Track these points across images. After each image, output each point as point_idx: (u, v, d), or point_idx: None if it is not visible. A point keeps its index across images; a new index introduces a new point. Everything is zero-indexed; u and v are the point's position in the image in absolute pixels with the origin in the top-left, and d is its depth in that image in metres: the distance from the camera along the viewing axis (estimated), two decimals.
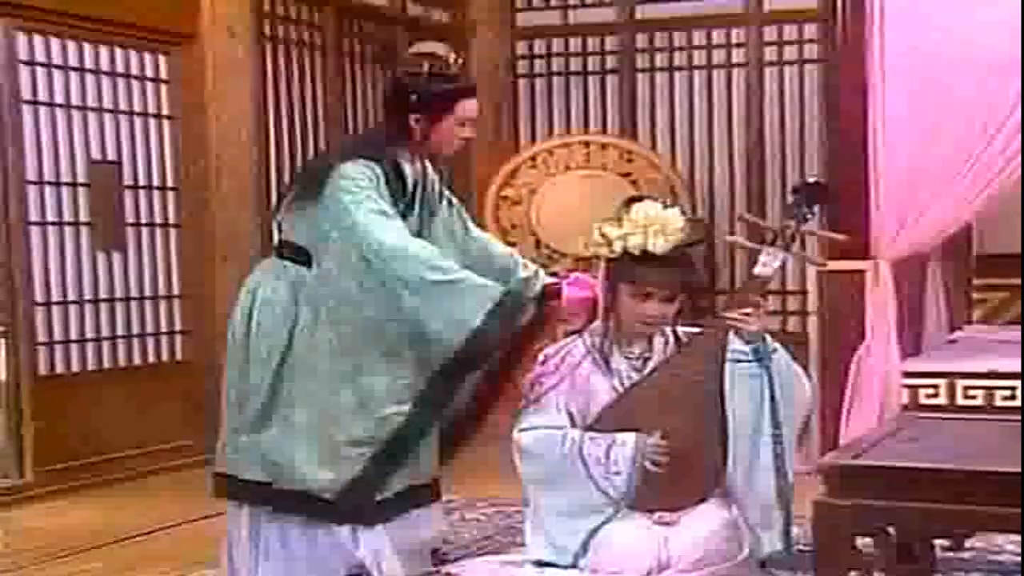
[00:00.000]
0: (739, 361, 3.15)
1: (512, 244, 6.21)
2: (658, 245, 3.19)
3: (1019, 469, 2.42)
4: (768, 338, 3.19)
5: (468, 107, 3.22)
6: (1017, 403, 4.32)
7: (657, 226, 3.19)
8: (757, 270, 3.25)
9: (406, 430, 3.06)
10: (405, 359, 3.07)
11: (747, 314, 3.13)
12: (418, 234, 3.18)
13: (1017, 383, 4.35)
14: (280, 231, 3.26)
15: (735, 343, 3.16)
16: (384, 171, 3.12)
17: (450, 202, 3.38)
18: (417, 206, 3.24)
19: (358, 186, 3.06)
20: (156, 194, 5.39)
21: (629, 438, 3.13)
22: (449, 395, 3.09)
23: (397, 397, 3.06)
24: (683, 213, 3.27)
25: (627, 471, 3.13)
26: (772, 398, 3.14)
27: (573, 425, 3.22)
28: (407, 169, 3.21)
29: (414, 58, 3.27)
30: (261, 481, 3.10)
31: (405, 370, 3.08)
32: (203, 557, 3.61)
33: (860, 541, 2.66)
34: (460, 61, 3.23)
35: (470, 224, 3.42)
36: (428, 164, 3.31)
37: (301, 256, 3.15)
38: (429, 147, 3.24)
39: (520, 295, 3.10)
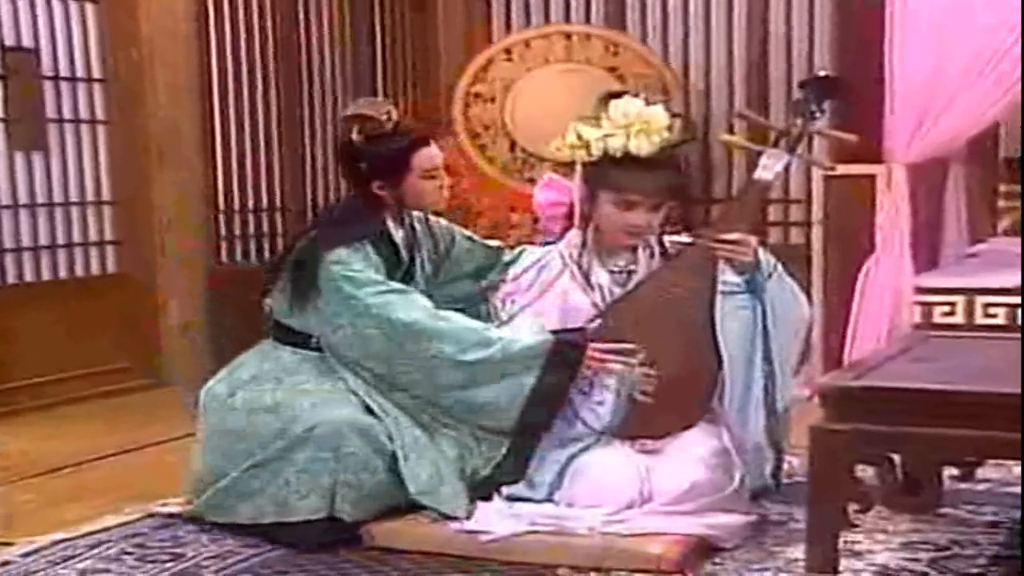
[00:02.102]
0: (731, 293, 3.17)
1: (483, 147, 6.25)
2: (642, 147, 3.18)
3: None
4: (764, 261, 3.19)
5: (424, 157, 3.32)
6: None
7: (639, 125, 3.18)
8: (758, 174, 3.25)
9: (496, 477, 3.17)
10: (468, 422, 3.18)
11: (737, 242, 3.13)
12: (429, 296, 3.28)
13: None
14: (272, 312, 3.37)
15: (726, 274, 3.17)
16: (374, 247, 3.25)
17: (468, 237, 3.51)
18: (418, 267, 3.36)
19: (353, 269, 3.19)
20: (81, 87, 5.31)
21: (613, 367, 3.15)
22: (533, 444, 3.16)
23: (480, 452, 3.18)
24: (669, 110, 3.25)
25: (611, 399, 3.17)
26: (765, 331, 3.16)
27: None
28: (397, 235, 3.33)
29: (344, 124, 3.37)
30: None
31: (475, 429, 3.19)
32: (138, 491, 3.64)
33: (862, 472, 2.70)
34: (393, 113, 3.32)
35: (499, 251, 3.51)
36: (418, 215, 3.41)
37: (294, 338, 3.29)
38: (407, 206, 3.35)
39: (569, 337, 3.15)
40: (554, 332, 3.17)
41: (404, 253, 3.35)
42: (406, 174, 3.30)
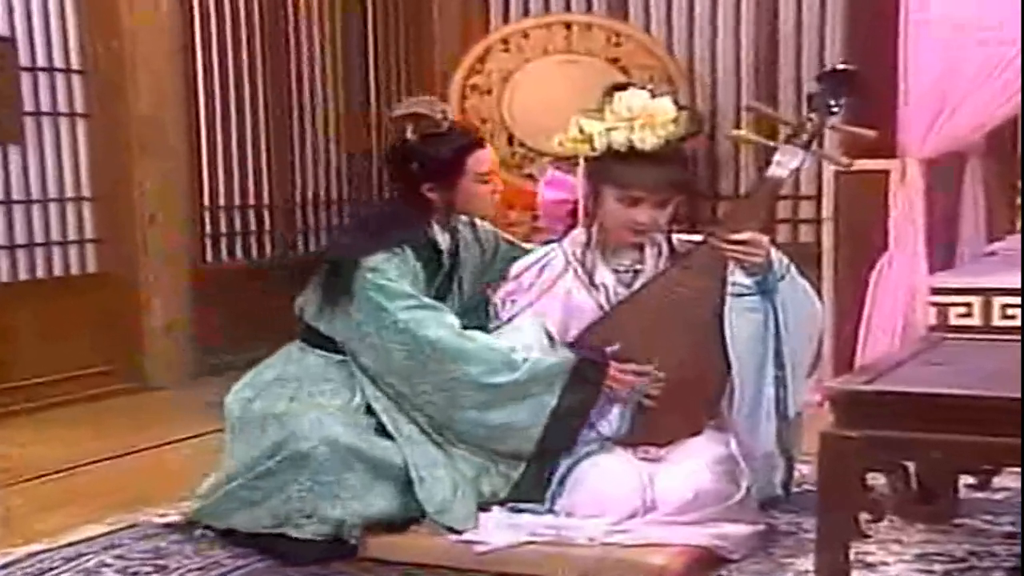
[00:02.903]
0: (741, 295, 3.16)
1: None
2: (646, 141, 3.17)
3: None
4: (776, 262, 3.19)
5: (480, 159, 3.31)
6: None
7: (644, 119, 3.17)
8: (771, 171, 3.24)
9: (514, 496, 3.16)
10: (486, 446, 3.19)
11: (749, 242, 3.12)
12: (463, 311, 3.29)
13: None
14: (303, 314, 3.35)
15: (736, 274, 3.16)
16: (415, 252, 3.24)
17: (509, 242, 3.51)
18: (461, 274, 3.36)
19: (388, 278, 3.18)
20: (59, 78, 5.31)
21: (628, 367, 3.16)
22: (554, 462, 3.15)
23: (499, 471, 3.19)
24: (675, 103, 3.25)
25: (621, 404, 3.17)
26: (776, 335, 3.15)
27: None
28: (440, 240, 3.33)
29: (397, 122, 3.32)
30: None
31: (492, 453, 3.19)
32: (122, 498, 3.66)
33: (873, 480, 2.69)
34: (448, 112, 3.31)
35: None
36: (465, 219, 3.41)
37: (324, 342, 3.29)
38: (457, 210, 3.34)
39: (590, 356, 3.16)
40: (570, 345, 3.18)
41: (447, 259, 3.34)
42: (460, 177, 3.28)
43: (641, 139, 3.17)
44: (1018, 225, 5.89)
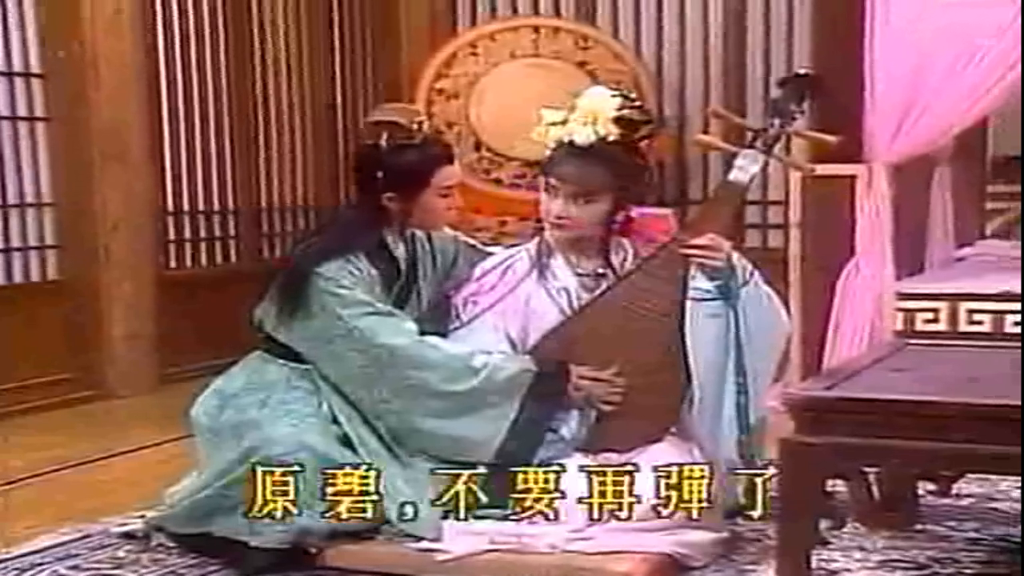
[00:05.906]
0: (703, 300, 3.16)
1: None
2: (580, 135, 3.19)
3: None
4: (739, 267, 3.19)
5: (446, 176, 3.30)
6: None
7: (585, 114, 3.19)
8: (732, 176, 3.25)
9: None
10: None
11: (710, 246, 3.13)
12: (421, 318, 3.29)
13: None
14: (262, 325, 3.34)
15: (698, 279, 3.16)
16: (370, 260, 3.24)
17: (471, 246, 3.51)
18: (419, 284, 3.35)
19: (342, 286, 3.18)
20: (18, 82, 5.29)
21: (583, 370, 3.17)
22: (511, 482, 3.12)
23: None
24: (634, 105, 3.25)
25: (582, 410, 3.17)
26: (738, 341, 3.16)
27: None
28: (396, 249, 3.32)
29: (371, 128, 3.32)
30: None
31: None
32: (82, 507, 3.65)
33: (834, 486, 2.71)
34: (424, 123, 3.30)
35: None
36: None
37: (286, 352, 3.28)
38: (411, 223, 3.33)
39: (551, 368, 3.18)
40: (531, 351, 3.18)
41: (404, 267, 3.34)
42: (422, 190, 3.28)
43: (577, 133, 3.18)
44: (988, 230, 5.92)
